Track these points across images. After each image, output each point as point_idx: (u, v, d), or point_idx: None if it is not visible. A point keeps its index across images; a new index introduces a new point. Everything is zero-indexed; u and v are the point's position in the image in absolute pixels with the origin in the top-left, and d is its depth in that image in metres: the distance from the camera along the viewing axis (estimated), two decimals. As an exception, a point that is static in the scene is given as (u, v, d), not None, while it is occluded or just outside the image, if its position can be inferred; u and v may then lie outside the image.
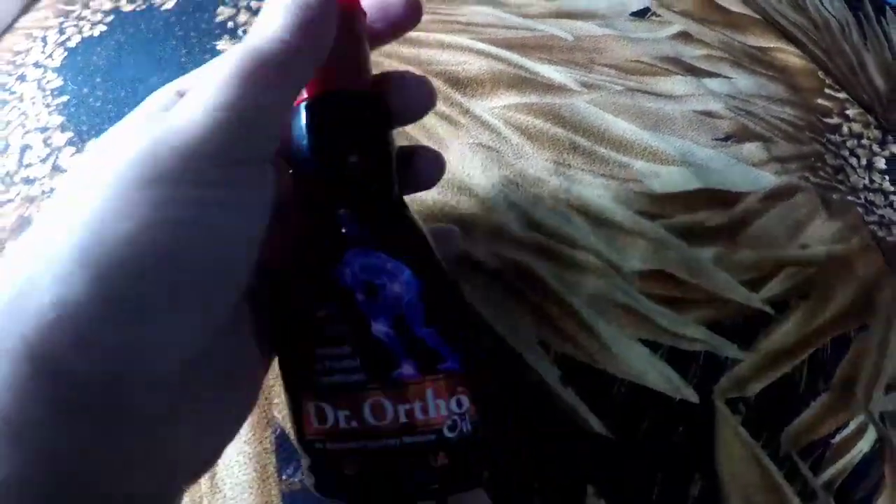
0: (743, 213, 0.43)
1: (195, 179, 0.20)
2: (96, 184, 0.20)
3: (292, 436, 0.33)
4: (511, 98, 0.45)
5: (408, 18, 0.28)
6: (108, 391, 0.19)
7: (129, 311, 0.19)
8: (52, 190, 0.43)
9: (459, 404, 0.22)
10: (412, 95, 0.28)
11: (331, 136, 0.24)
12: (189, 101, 0.21)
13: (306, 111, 0.24)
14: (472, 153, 0.43)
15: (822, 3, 0.69)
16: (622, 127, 0.45)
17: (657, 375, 0.35)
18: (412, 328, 0.21)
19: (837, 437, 0.37)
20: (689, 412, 0.35)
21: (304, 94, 0.25)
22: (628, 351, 0.36)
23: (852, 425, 0.38)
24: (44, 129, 0.47)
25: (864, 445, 0.37)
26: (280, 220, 0.23)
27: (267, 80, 0.21)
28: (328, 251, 0.22)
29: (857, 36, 0.68)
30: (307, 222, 0.24)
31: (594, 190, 0.41)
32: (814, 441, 0.37)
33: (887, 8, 0.74)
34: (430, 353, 0.22)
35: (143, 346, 0.19)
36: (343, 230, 0.23)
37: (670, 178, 0.43)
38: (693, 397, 0.35)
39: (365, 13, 0.26)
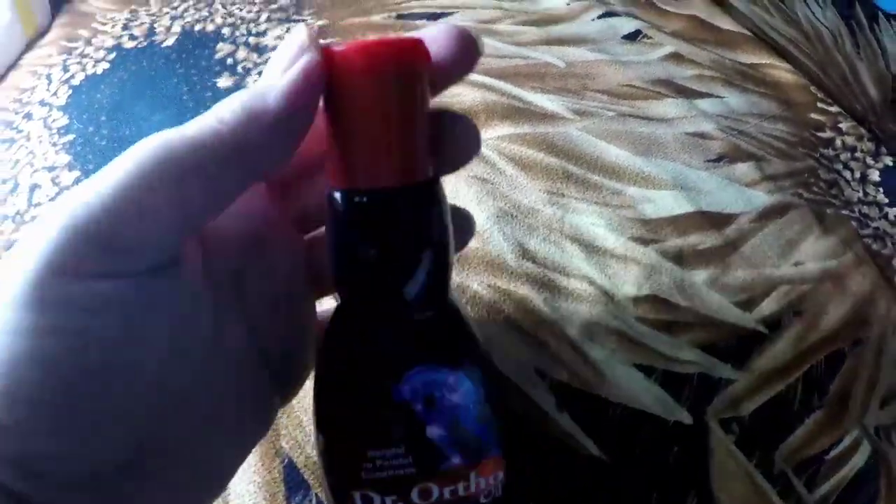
0: (735, 233, 0.44)
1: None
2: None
3: (300, 465, 0.35)
4: (505, 129, 0.47)
5: (464, 60, 0.23)
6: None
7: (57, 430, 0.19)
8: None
9: (496, 478, 0.24)
10: (461, 141, 0.25)
11: (389, 251, 0.22)
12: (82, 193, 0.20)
13: (357, 213, 0.22)
14: (468, 186, 0.44)
15: (813, 15, 0.70)
16: (615, 153, 0.46)
17: (651, 399, 0.37)
18: (465, 428, 0.23)
19: (832, 453, 0.38)
20: (684, 433, 0.36)
21: (350, 178, 0.22)
22: (623, 376, 0.37)
23: (846, 440, 0.39)
24: (51, 168, 0.49)
25: (858, 460, 0.38)
26: (330, 328, 0.23)
27: (163, 178, 0.20)
28: (388, 369, 0.22)
29: (850, 45, 0.69)
30: (361, 334, 0.23)
31: (587, 218, 0.43)
32: (808, 457, 0.38)
33: (880, 14, 0.75)
34: (478, 446, 0.23)
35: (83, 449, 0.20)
36: (405, 349, 0.23)
37: (663, 203, 0.44)
38: (687, 419, 0.37)
39: (429, 58, 0.22)
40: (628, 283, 0.40)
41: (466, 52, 0.22)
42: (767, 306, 0.42)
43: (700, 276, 0.42)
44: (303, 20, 0.57)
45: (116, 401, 0.20)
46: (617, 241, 0.42)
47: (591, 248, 0.42)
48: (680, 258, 0.42)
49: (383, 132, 0.21)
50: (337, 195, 0.22)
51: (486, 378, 0.23)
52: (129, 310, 0.20)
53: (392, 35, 0.21)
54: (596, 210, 0.43)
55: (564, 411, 0.36)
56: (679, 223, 0.44)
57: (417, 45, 0.21)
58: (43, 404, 0.18)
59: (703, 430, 0.37)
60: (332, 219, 0.22)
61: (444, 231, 0.23)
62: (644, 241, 0.42)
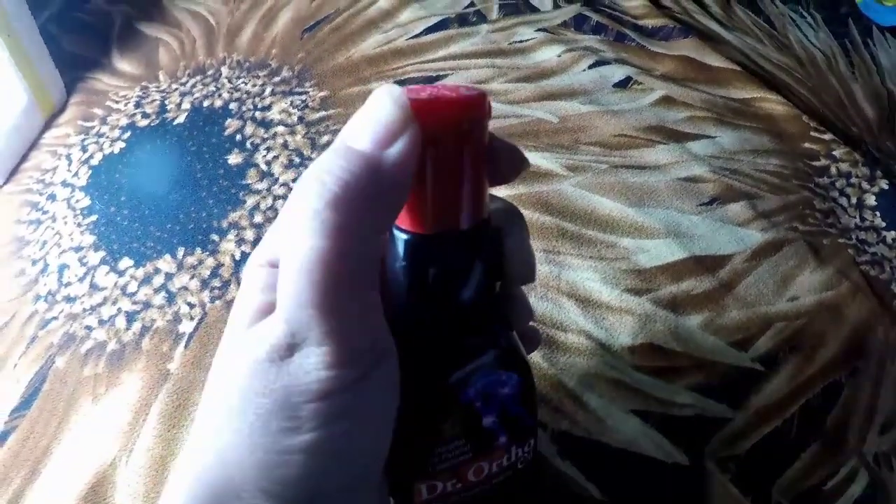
0: (729, 275, 0.49)
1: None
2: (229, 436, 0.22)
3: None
4: (502, 190, 0.51)
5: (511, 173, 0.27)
6: None
7: None
8: (92, 307, 0.50)
9: (530, 445, 0.29)
10: (504, 163, 0.27)
11: (451, 281, 0.26)
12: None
13: (421, 252, 0.25)
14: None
15: (806, 38, 0.74)
16: (608, 206, 0.51)
17: (649, 443, 0.41)
18: (511, 412, 0.27)
19: (829, 484, 0.42)
20: (682, 474, 0.40)
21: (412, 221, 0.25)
22: (621, 422, 0.41)
23: (844, 470, 0.42)
24: (78, 249, 0.54)
25: (856, 489, 0.42)
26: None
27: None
28: (454, 376, 0.26)
29: (845, 66, 0.73)
30: (426, 351, 0.26)
31: (583, 273, 0.47)
32: (806, 489, 0.41)
33: (874, 29, 0.79)
34: (521, 425, 0.28)
35: None
36: (472, 362, 0.27)
37: (657, 252, 0.49)
38: (684, 461, 0.41)
39: (489, 113, 0.25)
40: (624, 333, 0.45)
41: (513, 169, 0.27)
42: (763, 344, 0.46)
43: (695, 320, 0.46)
44: (305, 92, 0.62)
45: None
46: (612, 294, 0.46)
47: (586, 303, 0.46)
48: (674, 305, 0.46)
49: (465, 179, 0.24)
50: (414, 239, 0.25)
51: (524, 370, 0.28)
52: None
53: (447, 87, 0.24)
54: (591, 265, 0.48)
55: (567, 459, 0.40)
56: (673, 270, 0.48)
57: (483, 98, 0.24)
58: None
59: (700, 470, 0.41)
60: (413, 259, 0.25)
61: (500, 260, 0.27)
62: (638, 292, 0.47)
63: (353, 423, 0.22)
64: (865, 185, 0.58)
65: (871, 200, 0.57)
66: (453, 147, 0.23)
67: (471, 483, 0.27)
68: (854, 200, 0.57)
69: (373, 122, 0.21)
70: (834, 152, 0.60)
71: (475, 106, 0.23)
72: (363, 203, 0.21)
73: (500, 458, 0.28)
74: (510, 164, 0.27)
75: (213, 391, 0.24)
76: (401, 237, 0.25)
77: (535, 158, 0.53)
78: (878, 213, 0.56)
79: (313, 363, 0.21)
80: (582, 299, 0.46)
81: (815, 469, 0.42)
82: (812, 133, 0.61)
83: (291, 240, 0.21)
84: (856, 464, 0.42)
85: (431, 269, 0.25)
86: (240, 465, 0.22)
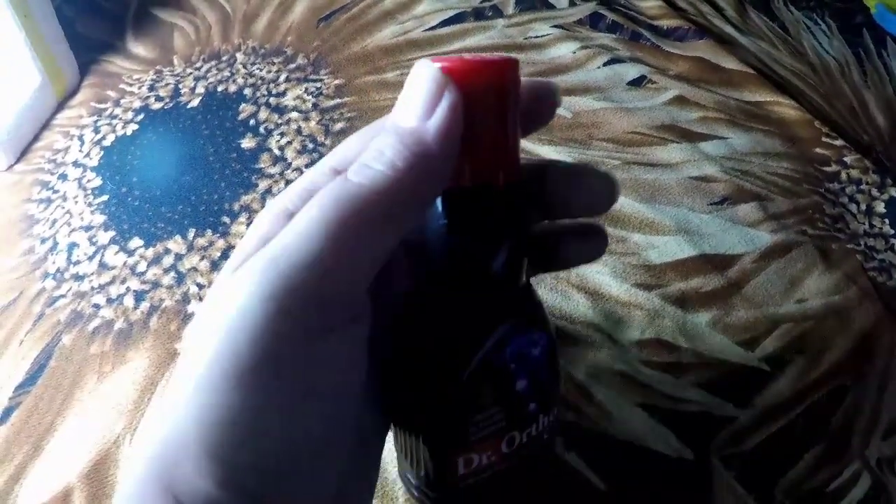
0: (738, 274, 0.49)
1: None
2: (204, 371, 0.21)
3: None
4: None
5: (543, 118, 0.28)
6: None
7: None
8: (100, 286, 0.50)
9: (555, 414, 0.29)
10: (594, 194, 0.28)
11: (484, 236, 0.26)
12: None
13: (473, 206, 0.26)
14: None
15: (820, 45, 0.75)
16: (620, 202, 0.51)
17: (654, 437, 0.41)
18: (541, 378, 0.28)
19: (832, 485, 0.42)
20: (686, 469, 0.41)
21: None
22: (628, 415, 0.42)
23: (846, 473, 0.42)
24: (88, 228, 0.54)
25: (858, 492, 0.42)
26: (416, 310, 0.27)
27: (361, 231, 0.21)
28: (488, 339, 0.26)
29: (858, 74, 0.73)
30: (456, 313, 0.27)
31: (593, 266, 0.47)
32: (809, 490, 0.41)
33: (888, 39, 0.79)
34: (549, 391, 0.28)
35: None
36: (505, 322, 0.27)
37: (666, 248, 0.49)
38: (689, 455, 0.41)
39: (518, 84, 0.25)
40: (632, 327, 0.45)
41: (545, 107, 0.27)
42: (770, 344, 0.46)
43: (703, 317, 0.46)
44: (320, 80, 0.62)
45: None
46: (621, 289, 0.47)
47: (596, 296, 0.46)
48: (683, 302, 0.47)
49: (500, 138, 0.25)
50: (450, 191, 0.26)
51: (550, 329, 0.28)
52: (338, 365, 0.22)
53: (475, 56, 0.25)
54: (601, 259, 0.48)
55: (572, 450, 0.41)
56: (682, 267, 0.48)
57: (510, 62, 0.25)
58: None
59: (705, 466, 0.41)
60: (447, 213, 0.26)
61: (527, 221, 0.29)
62: (647, 287, 0.47)
63: (307, 379, 0.22)
64: (875, 193, 0.58)
65: (880, 208, 0.57)
66: (485, 106, 0.24)
67: (503, 455, 0.28)
68: (863, 207, 0.57)
69: (412, 98, 0.23)
70: (845, 158, 0.60)
71: (504, 68, 0.24)
72: (411, 174, 0.22)
73: (531, 427, 0.28)
74: (543, 105, 0.27)
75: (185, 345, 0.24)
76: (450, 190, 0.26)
77: (548, 153, 0.54)
78: (886, 221, 0.57)
79: None
80: (591, 292, 0.47)
81: (819, 470, 0.42)
82: (824, 139, 0.61)
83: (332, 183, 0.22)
84: (859, 467, 0.43)
85: (465, 222, 0.26)
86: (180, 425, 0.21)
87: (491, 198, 0.26)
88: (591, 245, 0.31)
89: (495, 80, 0.24)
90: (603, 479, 0.40)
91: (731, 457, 0.41)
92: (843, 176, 0.59)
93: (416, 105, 0.22)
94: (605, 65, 0.63)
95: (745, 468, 0.41)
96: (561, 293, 0.46)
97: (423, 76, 0.23)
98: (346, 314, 0.22)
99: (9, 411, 0.45)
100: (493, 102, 0.24)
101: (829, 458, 0.43)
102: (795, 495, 0.41)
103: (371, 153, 0.22)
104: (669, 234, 0.50)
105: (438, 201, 0.25)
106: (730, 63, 0.65)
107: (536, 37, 0.66)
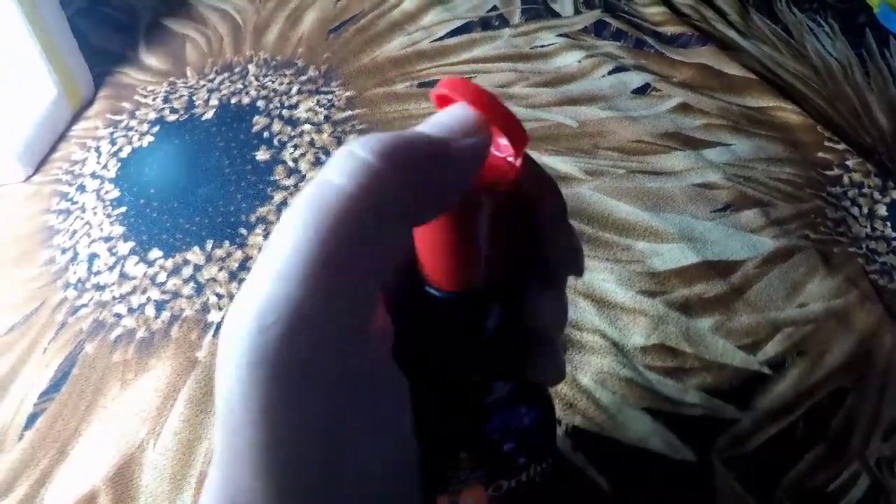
0: (741, 280, 0.51)
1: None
2: None
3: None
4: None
5: None
6: None
7: None
8: (122, 296, 0.52)
9: (548, 462, 0.30)
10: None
11: (474, 335, 0.27)
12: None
13: (471, 309, 0.26)
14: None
15: (823, 47, 0.76)
16: (625, 210, 0.53)
17: (658, 439, 0.43)
18: (530, 439, 0.29)
19: (832, 486, 0.43)
20: (688, 470, 0.42)
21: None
22: (632, 419, 0.44)
23: (846, 474, 0.44)
24: (108, 239, 0.56)
25: (857, 492, 0.43)
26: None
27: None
28: (477, 418, 0.28)
29: (861, 76, 0.75)
30: (450, 386, 0.28)
31: (599, 275, 0.49)
32: (808, 491, 0.43)
33: (891, 39, 0.81)
34: (538, 447, 0.30)
35: None
36: (495, 402, 0.28)
37: (671, 255, 0.51)
38: (691, 457, 0.43)
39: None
40: (637, 333, 0.47)
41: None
42: (772, 348, 0.48)
43: (706, 322, 0.48)
44: (331, 92, 0.64)
45: None
46: (626, 295, 0.49)
47: (602, 303, 0.48)
48: (686, 307, 0.48)
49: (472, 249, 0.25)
50: (444, 295, 0.26)
51: (544, 401, 0.30)
52: None
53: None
54: (607, 267, 0.50)
55: (579, 452, 0.43)
56: (686, 274, 0.50)
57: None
58: None
59: (707, 467, 0.43)
60: (444, 313, 0.26)
61: (521, 315, 0.28)
62: (652, 294, 0.49)
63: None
64: (877, 196, 0.60)
65: (882, 211, 0.59)
66: (465, 207, 0.23)
67: (490, 497, 0.29)
68: (865, 210, 0.59)
69: (446, 119, 0.22)
70: (847, 162, 0.61)
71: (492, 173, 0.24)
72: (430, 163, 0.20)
73: (518, 476, 0.29)
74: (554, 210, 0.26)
75: None
76: (430, 292, 0.26)
77: (554, 162, 0.56)
78: (888, 224, 0.58)
79: None
80: (597, 299, 0.49)
81: (819, 471, 0.44)
82: (826, 143, 0.63)
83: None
84: (858, 468, 0.44)
85: (458, 324, 0.26)
86: None
87: (473, 301, 0.26)
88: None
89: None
90: (608, 481, 0.42)
91: (733, 458, 0.43)
92: (846, 180, 0.60)
93: (449, 124, 0.22)
94: (610, 73, 0.64)
95: (747, 469, 0.43)
96: (568, 301, 0.48)
97: (461, 109, 0.22)
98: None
99: (34, 417, 0.47)
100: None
101: (829, 458, 0.44)
102: (795, 495, 0.42)
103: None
104: (673, 242, 0.52)
105: (429, 298, 0.26)
106: (732, 69, 0.67)
107: (542, 46, 0.68)
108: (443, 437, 0.27)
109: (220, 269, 0.52)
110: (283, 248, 0.19)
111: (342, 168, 0.19)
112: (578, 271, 0.27)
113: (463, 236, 0.24)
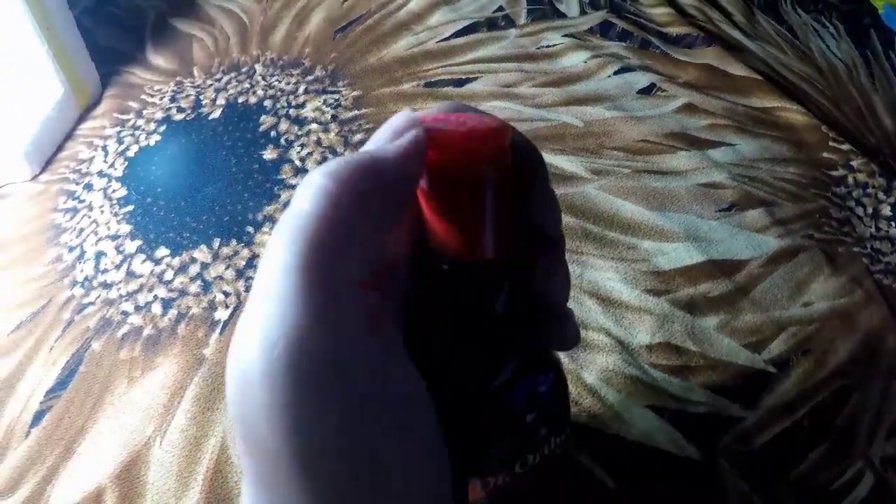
0: (745, 279, 0.51)
1: None
2: None
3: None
4: (527, 191, 0.54)
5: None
6: None
7: None
8: (129, 294, 0.53)
9: (566, 434, 0.31)
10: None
11: (485, 303, 0.28)
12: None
13: (481, 279, 0.27)
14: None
15: (828, 48, 0.76)
16: (630, 209, 0.53)
17: (663, 437, 0.43)
18: (550, 408, 0.30)
19: (835, 484, 0.43)
20: (693, 468, 0.43)
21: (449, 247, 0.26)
22: (637, 417, 0.44)
23: (850, 472, 0.44)
24: (115, 237, 0.57)
25: (861, 491, 0.43)
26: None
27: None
28: (502, 384, 0.28)
29: (865, 77, 0.75)
30: (470, 363, 0.29)
31: (605, 273, 0.50)
32: (812, 489, 0.43)
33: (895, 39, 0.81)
34: (556, 417, 0.31)
35: None
36: (511, 368, 0.29)
37: (676, 255, 0.51)
38: (696, 455, 0.43)
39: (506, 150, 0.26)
40: (642, 332, 0.47)
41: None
42: (776, 347, 0.48)
43: (711, 321, 0.48)
44: (338, 91, 0.65)
45: None
46: (631, 294, 0.49)
47: (607, 302, 0.49)
48: (691, 306, 0.49)
49: (486, 213, 0.26)
50: (450, 264, 0.27)
51: (557, 368, 0.31)
52: None
53: (470, 117, 0.25)
54: (612, 265, 0.50)
55: (584, 450, 0.43)
56: (691, 273, 0.50)
57: (496, 135, 0.25)
58: None
59: (711, 465, 0.43)
60: (456, 285, 0.27)
61: (530, 286, 0.30)
62: (657, 293, 0.49)
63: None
64: (882, 196, 0.60)
65: (886, 211, 0.59)
66: (470, 179, 0.25)
67: (518, 474, 0.30)
68: (870, 210, 0.59)
69: (383, 130, 0.24)
70: (852, 162, 0.62)
71: (495, 137, 0.25)
72: (363, 179, 0.22)
73: (542, 449, 0.30)
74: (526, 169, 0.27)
75: None
76: (440, 263, 0.27)
77: (560, 161, 0.56)
78: (893, 224, 0.58)
79: None
80: (603, 298, 0.49)
81: (823, 469, 0.44)
82: (830, 143, 0.63)
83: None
84: (862, 466, 0.44)
85: (468, 293, 0.27)
86: None
87: (483, 269, 0.27)
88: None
89: (473, 154, 0.25)
90: (613, 478, 0.42)
91: (738, 456, 0.43)
92: (850, 180, 0.61)
93: (384, 135, 0.24)
94: (615, 73, 0.65)
95: (751, 467, 0.43)
96: (574, 299, 0.48)
97: (396, 117, 0.24)
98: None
99: (40, 415, 0.47)
100: (473, 174, 0.25)
101: (833, 457, 0.44)
102: (800, 493, 0.43)
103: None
104: (678, 241, 0.52)
105: (439, 268, 0.27)
106: (737, 70, 0.67)
107: (548, 46, 0.68)
108: (468, 419, 0.28)
109: (227, 268, 0.53)
110: (271, 271, 0.21)
111: (306, 195, 0.21)
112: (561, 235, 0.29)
113: (470, 207, 0.25)
